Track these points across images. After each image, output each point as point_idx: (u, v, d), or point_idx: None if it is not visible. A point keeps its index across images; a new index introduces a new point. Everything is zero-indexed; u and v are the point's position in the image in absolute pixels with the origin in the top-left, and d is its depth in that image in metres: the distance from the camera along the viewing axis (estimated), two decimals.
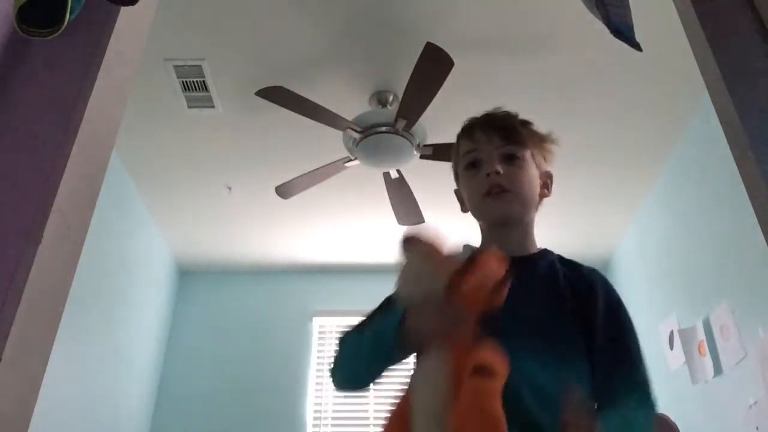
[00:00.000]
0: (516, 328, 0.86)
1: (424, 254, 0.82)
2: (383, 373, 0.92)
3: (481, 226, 1.12)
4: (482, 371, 0.73)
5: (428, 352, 0.79)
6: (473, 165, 1.08)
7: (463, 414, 0.71)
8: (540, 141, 1.15)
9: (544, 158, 1.15)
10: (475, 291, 0.77)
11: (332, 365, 1.01)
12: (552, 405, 0.81)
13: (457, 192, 1.17)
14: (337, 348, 1.01)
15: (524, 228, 1.06)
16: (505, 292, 0.79)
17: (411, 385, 0.80)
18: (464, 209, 1.14)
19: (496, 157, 1.06)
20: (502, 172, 1.04)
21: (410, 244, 0.83)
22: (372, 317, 1.00)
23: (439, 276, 0.79)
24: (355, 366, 0.97)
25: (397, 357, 0.88)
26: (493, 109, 1.15)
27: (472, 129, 1.12)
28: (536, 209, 1.11)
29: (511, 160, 1.07)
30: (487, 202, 1.05)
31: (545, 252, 1.08)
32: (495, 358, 0.75)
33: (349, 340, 0.99)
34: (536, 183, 1.11)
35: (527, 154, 1.10)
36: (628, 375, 0.92)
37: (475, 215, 1.11)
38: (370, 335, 0.92)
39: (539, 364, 0.87)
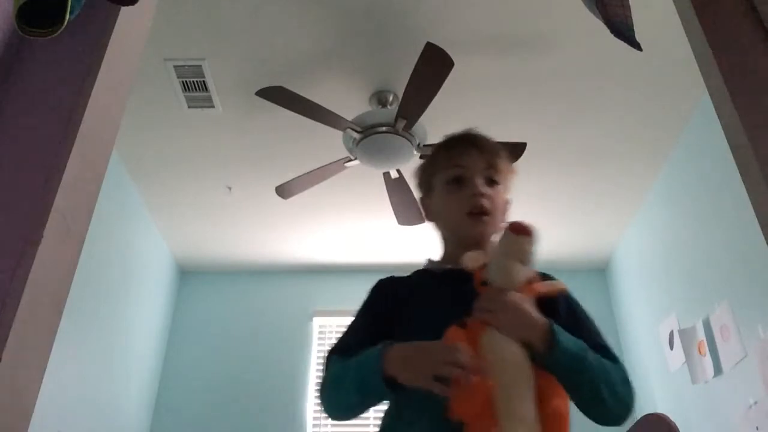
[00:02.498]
0: None
1: None
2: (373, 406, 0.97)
3: (446, 237, 1.16)
4: None
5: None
6: (457, 181, 1.12)
7: None
8: (511, 171, 1.20)
9: (509, 188, 1.20)
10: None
11: (321, 394, 1.03)
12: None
13: (422, 200, 1.21)
14: (324, 375, 1.03)
15: (488, 245, 1.11)
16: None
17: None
18: (430, 218, 1.19)
19: (482, 179, 1.11)
20: (487, 194, 1.10)
21: None
22: (358, 338, 1.03)
23: None
24: (343, 404, 1.00)
25: (385, 397, 0.95)
26: (473, 130, 1.22)
27: (458, 145, 1.18)
28: None
29: (492, 184, 1.13)
30: (470, 222, 1.09)
31: None
32: None
33: (334, 376, 1.01)
34: (504, 208, 1.16)
35: (503, 180, 1.16)
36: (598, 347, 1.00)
37: (447, 228, 1.15)
38: (354, 380, 0.95)
39: None
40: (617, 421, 0.95)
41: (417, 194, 1.23)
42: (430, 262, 1.16)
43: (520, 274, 0.92)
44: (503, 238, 0.94)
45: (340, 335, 1.08)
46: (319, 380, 1.04)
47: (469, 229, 1.09)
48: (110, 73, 0.98)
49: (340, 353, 1.03)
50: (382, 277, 1.14)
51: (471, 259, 0.97)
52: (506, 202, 1.17)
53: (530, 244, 0.93)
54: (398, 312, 1.04)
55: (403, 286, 1.11)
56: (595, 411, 0.93)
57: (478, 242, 1.08)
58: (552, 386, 0.87)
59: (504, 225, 0.94)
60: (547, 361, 0.88)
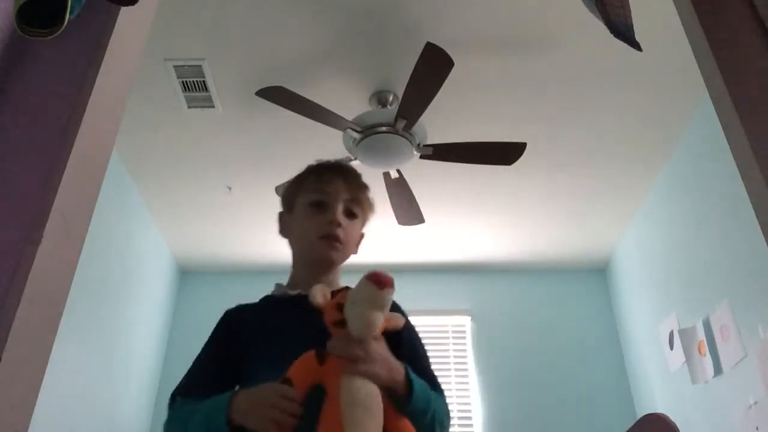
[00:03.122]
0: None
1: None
2: None
3: (297, 259, 1.22)
4: None
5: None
6: (318, 205, 1.17)
7: None
8: (370, 208, 1.26)
9: (365, 222, 1.26)
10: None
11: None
12: None
13: (282, 216, 1.26)
14: (168, 417, 1.02)
15: (336, 271, 1.19)
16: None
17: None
18: (283, 234, 1.25)
19: (342, 209, 1.16)
20: (343, 224, 1.15)
21: None
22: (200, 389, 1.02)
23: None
24: None
25: None
26: (345, 162, 1.30)
27: (328, 172, 1.23)
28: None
29: (351, 216, 1.19)
30: (321, 245, 1.14)
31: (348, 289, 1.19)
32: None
33: (179, 420, 1.00)
34: (357, 240, 1.23)
35: (361, 214, 1.22)
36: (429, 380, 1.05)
37: (299, 249, 1.21)
38: (199, 429, 0.94)
39: None
40: None
41: (279, 209, 1.28)
42: (278, 287, 1.19)
43: (380, 322, 0.95)
44: (366, 289, 0.94)
45: (185, 374, 1.08)
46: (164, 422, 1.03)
47: (320, 252, 1.14)
48: (110, 73, 0.98)
49: (184, 394, 1.04)
50: (231, 308, 1.18)
51: (319, 295, 0.97)
52: (360, 236, 1.24)
53: (391, 295, 0.95)
54: (245, 345, 1.05)
55: (250, 316, 1.14)
56: None
57: (326, 267, 1.15)
58: (402, 424, 0.92)
59: (364, 275, 0.94)
60: (402, 405, 0.92)
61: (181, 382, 1.06)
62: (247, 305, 1.18)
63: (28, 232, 0.79)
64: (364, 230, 1.26)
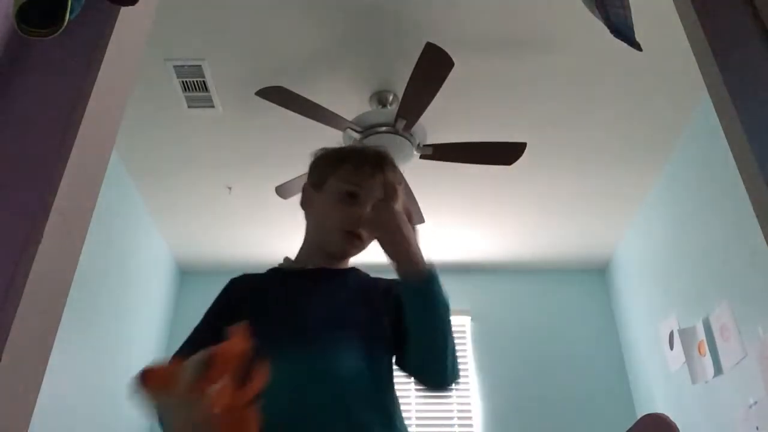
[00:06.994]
0: (334, 329, 1.00)
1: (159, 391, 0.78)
2: None
3: (310, 238, 1.17)
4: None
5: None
6: (350, 196, 1.11)
7: None
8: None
9: None
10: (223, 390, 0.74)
11: None
12: (370, 398, 0.94)
13: (308, 188, 1.19)
14: None
15: (347, 260, 1.16)
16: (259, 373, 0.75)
17: None
18: (304, 207, 1.19)
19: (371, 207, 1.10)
20: None
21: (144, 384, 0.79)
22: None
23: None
24: None
25: None
26: (388, 155, 1.20)
27: (368, 165, 1.14)
28: None
29: None
30: (342, 239, 1.10)
31: (355, 269, 1.18)
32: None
33: None
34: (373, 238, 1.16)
35: None
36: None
37: (317, 232, 1.16)
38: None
39: (360, 360, 0.98)
40: (446, 383, 0.97)
41: (306, 177, 1.21)
42: (287, 260, 1.17)
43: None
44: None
45: (185, 339, 1.05)
46: None
47: (339, 245, 1.11)
48: (110, 73, 0.98)
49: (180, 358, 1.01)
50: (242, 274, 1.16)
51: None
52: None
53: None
54: (244, 316, 0.98)
55: (254, 286, 1.12)
56: (433, 367, 0.94)
57: (339, 258, 1.13)
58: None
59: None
60: (422, 286, 0.94)
61: (180, 347, 1.03)
62: (253, 275, 1.15)
63: (28, 232, 0.79)
64: None
